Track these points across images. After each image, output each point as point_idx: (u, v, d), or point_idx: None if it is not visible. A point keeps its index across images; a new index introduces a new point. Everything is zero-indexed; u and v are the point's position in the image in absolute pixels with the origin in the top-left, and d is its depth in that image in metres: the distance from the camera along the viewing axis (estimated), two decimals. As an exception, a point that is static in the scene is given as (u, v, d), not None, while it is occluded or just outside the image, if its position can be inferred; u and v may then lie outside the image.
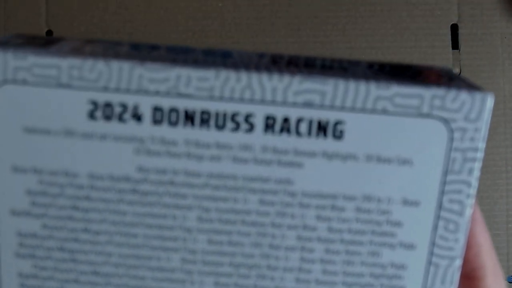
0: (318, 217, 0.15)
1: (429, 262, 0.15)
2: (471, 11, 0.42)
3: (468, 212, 0.15)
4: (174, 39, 0.42)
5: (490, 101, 0.14)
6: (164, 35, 0.42)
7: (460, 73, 0.42)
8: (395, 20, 0.42)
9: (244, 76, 0.14)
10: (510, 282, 0.42)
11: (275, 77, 0.14)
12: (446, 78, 0.15)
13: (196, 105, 0.14)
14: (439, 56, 0.42)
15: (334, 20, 0.42)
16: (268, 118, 0.14)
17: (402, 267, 0.15)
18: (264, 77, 0.14)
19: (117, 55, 0.14)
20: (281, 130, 0.14)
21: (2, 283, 0.15)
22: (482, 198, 0.42)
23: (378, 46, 0.42)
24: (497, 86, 0.42)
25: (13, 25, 0.43)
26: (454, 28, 0.42)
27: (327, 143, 0.14)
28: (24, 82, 0.14)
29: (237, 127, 0.14)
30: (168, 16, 0.43)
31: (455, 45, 0.42)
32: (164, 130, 0.14)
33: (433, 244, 0.15)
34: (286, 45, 0.42)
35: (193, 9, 0.43)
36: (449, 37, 0.42)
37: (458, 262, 0.15)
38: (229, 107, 0.14)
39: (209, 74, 0.14)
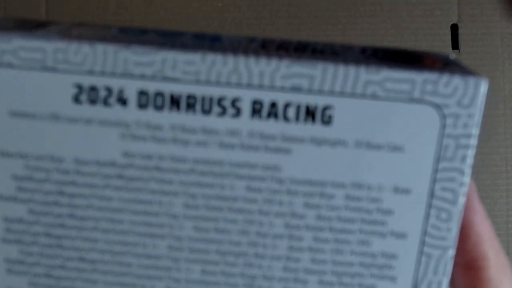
0: (307, 205, 0.14)
1: (421, 252, 0.15)
2: (471, 11, 0.42)
3: (461, 200, 0.14)
4: (174, 39, 0.42)
5: (484, 86, 0.14)
6: (164, 35, 0.42)
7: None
8: (395, 20, 0.42)
9: (230, 59, 0.14)
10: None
11: (263, 61, 0.14)
12: (440, 63, 0.15)
13: (182, 89, 0.14)
14: (439, 56, 0.42)
15: (334, 20, 0.42)
16: (255, 102, 0.14)
17: (393, 256, 0.15)
18: (251, 60, 0.14)
19: (104, 39, 0.14)
20: (269, 115, 0.14)
21: None
22: (482, 198, 0.42)
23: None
24: (497, 86, 0.42)
25: (13, 25, 0.43)
26: (454, 28, 0.42)
27: (316, 129, 0.14)
28: (10, 65, 0.14)
29: (223, 111, 0.14)
30: (168, 16, 0.43)
31: (455, 45, 0.42)
32: (150, 114, 0.14)
33: (425, 233, 0.14)
34: (286, 45, 0.42)
35: (193, 9, 0.43)
36: (449, 37, 0.42)
37: (451, 252, 0.15)
38: (215, 92, 0.14)
39: (195, 57, 0.14)
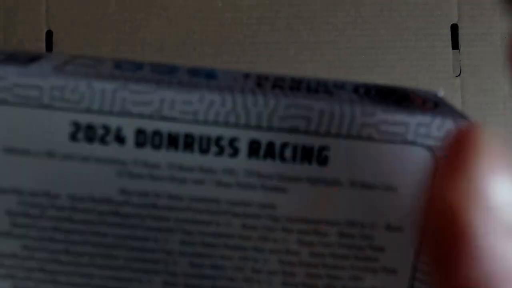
0: (301, 242, 0.14)
1: (411, 287, 0.15)
2: (471, 11, 0.42)
3: None
4: (174, 39, 0.42)
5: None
6: (164, 35, 0.42)
7: (460, 73, 0.42)
8: (395, 20, 0.42)
9: (229, 100, 0.14)
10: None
11: (260, 102, 0.14)
12: (431, 103, 0.15)
13: (180, 129, 0.14)
14: (439, 56, 0.42)
15: (334, 20, 0.42)
16: (252, 142, 0.14)
17: None
18: (249, 101, 0.14)
19: (100, 76, 0.14)
20: (266, 155, 0.14)
21: None
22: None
23: (378, 46, 0.42)
24: (497, 86, 0.42)
25: (13, 25, 0.43)
26: (454, 28, 0.42)
27: (312, 169, 0.14)
28: (5, 102, 0.14)
29: (221, 151, 0.14)
30: (168, 16, 0.43)
31: (455, 45, 0.42)
32: (147, 153, 0.14)
33: (415, 269, 0.15)
34: (286, 45, 0.42)
35: (193, 9, 0.43)
36: (449, 37, 0.42)
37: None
38: (213, 131, 0.14)
39: (194, 97, 0.14)
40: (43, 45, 0.43)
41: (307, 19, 0.42)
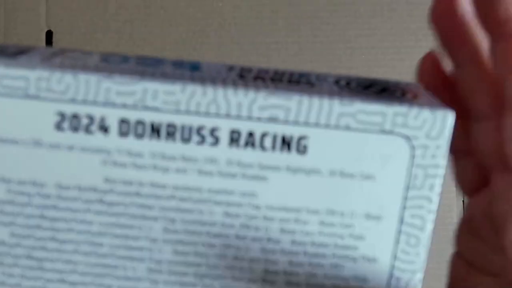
0: (282, 230, 0.15)
1: (391, 275, 0.15)
2: (472, 11, 0.42)
3: (429, 226, 0.15)
4: (174, 39, 0.42)
5: (451, 119, 0.14)
6: (164, 35, 0.42)
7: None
8: (395, 20, 0.42)
9: (210, 90, 0.14)
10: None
11: (240, 92, 0.14)
12: (410, 95, 0.15)
13: (162, 118, 0.14)
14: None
15: (334, 20, 0.42)
16: (233, 132, 0.14)
17: (364, 279, 0.15)
18: (230, 92, 0.14)
19: (86, 67, 0.14)
20: (246, 144, 0.14)
21: None
22: (482, 198, 0.42)
23: (378, 46, 0.42)
24: (498, 86, 0.42)
25: (13, 25, 0.43)
26: (455, 28, 0.42)
27: (291, 158, 0.14)
28: None
29: (202, 140, 0.14)
30: (168, 16, 0.43)
31: (455, 45, 0.42)
32: (131, 142, 0.14)
33: (394, 257, 0.15)
34: (286, 45, 0.42)
35: (193, 9, 0.43)
36: (449, 37, 0.42)
37: (419, 276, 0.15)
38: (194, 121, 0.14)
39: (176, 88, 0.14)
40: (43, 45, 0.43)
41: (307, 19, 0.42)
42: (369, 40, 0.42)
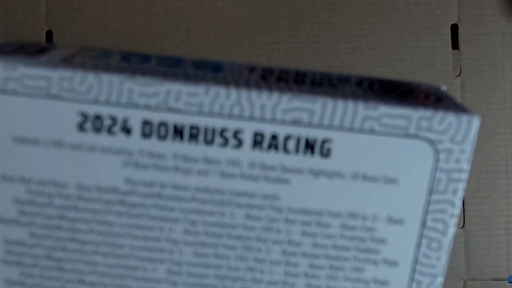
0: (303, 233, 0.15)
1: (412, 279, 0.15)
2: (471, 11, 0.42)
3: (451, 231, 0.15)
4: (174, 39, 0.42)
5: (476, 124, 0.15)
6: (164, 35, 0.42)
7: (460, 73, 0.42)
8: (395, 20, 0.42)
9: (233, 92, 0.14)
10: (510, 282, 0.42)
11: (264, 95, 0.14)
12: (434, 98, 0.15)
13: (185, 120, 0.14)
14: (439, 56, 0.42)
15: (334, 20, 0.42)
16: (256, 134, 0.14)
17: (385, 283, 0.15)
18: (254, 94, 0.14)
19: (108, 68, 0.15)
20: (269, 146, 0.14)
21: None
22: (482, 198, 0.42)
23: (378, 46, 0.42)
24: (497, 86, 0.42)
25: (13, 25, 0.43)
26: (454, 28, 0.42)
27: (314, 161, 0.15)
28: (14, 92, 0.14)
29: (225, 142, 0.14)
30: (168, 16, 0.43)
31: (455, 45, 0.42)
32: (153, 143, 0.14)
33: (416, 261, 0.15)
34: (286, 45, 0.42)
35: (193, 9, 0.43)
36: (449, 37, 0.42)
37: (440, 280, 0.16)
38: (218, 123, 0.14)
39: (199, 89, 0.14)
40: (43, 45, 0.43)
41: (307, 19, 0.43)
42: (369, 40, 0.42)
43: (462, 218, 0.42)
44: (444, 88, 0.16)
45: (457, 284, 0.42)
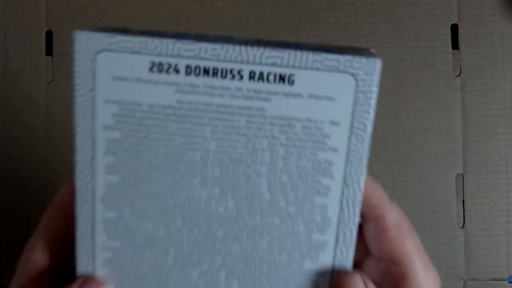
0: (280, 131, 0.24)
1: (347, 160, 0.25)
2: (471, 11, 0.42)
3: (369, 129, 0.24)
4: (174, 39, 0.42)
5: (379, 64, 0.23)
6: (164, 35, 0.42)
7: (460, 73, 0.42)
8: (395, 20, 0.42)
9: (237, 48, 0.24)
10: (510, 282, 0.42)
11: (255, 49, 0.24)
12: (359, 51, 0.25)
13: (210, 64, 0.24)
14: (439, 56, 0.42)
15: (334, 20, 0.42)
16: (251, 72, 0.24)
17: (331, 163, 0.25)
18: (249, 49, 0.24)
19: (164, 35, 0.24)
20: (258, 79, 0.24)
21: (95, 170, 0.25)
22: (482, 198, 0.42)
23: (378, 46, 0.42)
24: (497, 86, 0.42)
25: (13, 25, 0.43)
26: (454, 28, 0.42)
27: (285, 87, 0.24)
28: (114, 50, 0.24)
29: (233, 77, 0.24)
30: (168, 16, 0.43)
31: (455, 45, 0.42)
32: (192, 78, 0.24)
33: (349, 148, 0.24)
34: (286, 45, 0.42)
35: (193, 9, 0.43)
36: (449, 37, 0.42)
37: (365, 161, 0.24)
38: (229, 66, 0.24)
39: (217, 46, 0.24)
40: (43, 45, 0.43)
41: (307, 19, 0.43)
42: (369, 40, 0.42)
43: (462, 218, 0.42)
44: (372, 50, 0.25)
45: (457, 284, 0.42)
